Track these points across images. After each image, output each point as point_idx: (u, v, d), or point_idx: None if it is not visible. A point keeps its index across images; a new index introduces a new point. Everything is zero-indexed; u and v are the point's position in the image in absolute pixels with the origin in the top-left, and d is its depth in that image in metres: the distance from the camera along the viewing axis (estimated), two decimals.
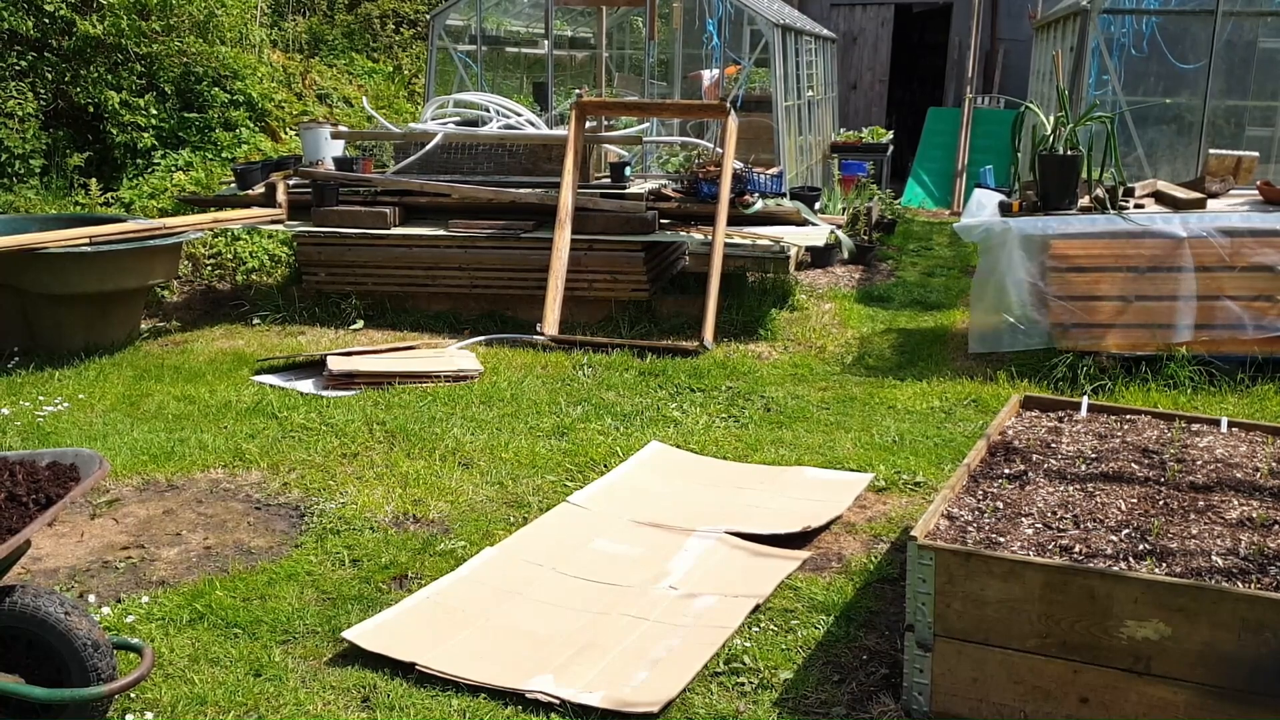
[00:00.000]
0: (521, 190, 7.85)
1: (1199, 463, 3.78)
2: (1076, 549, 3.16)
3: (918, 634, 3.10)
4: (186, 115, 9.90)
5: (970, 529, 3.31)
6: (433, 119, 8.53)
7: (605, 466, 5.09)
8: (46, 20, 9.40)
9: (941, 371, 6.59)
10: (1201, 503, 3.46)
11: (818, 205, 8.71)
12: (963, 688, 3.08)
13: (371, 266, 7.79)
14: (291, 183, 8.18)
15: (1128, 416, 4.28)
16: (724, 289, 7.38)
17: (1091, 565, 3.04)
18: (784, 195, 8.22)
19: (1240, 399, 5.92)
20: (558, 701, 3.23)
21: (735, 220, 7.61)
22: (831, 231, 8.18)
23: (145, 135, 9.52)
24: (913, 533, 3.13)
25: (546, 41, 10.86)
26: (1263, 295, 6.09)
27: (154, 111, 9.65)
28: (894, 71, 16.36)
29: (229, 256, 8.64)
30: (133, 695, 3.25)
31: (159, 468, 5.03)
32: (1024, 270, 6.23)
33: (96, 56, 9.56)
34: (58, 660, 2.97)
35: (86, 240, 6.60)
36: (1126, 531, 3.28)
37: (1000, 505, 3.48)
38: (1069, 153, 6.37)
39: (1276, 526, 3.30)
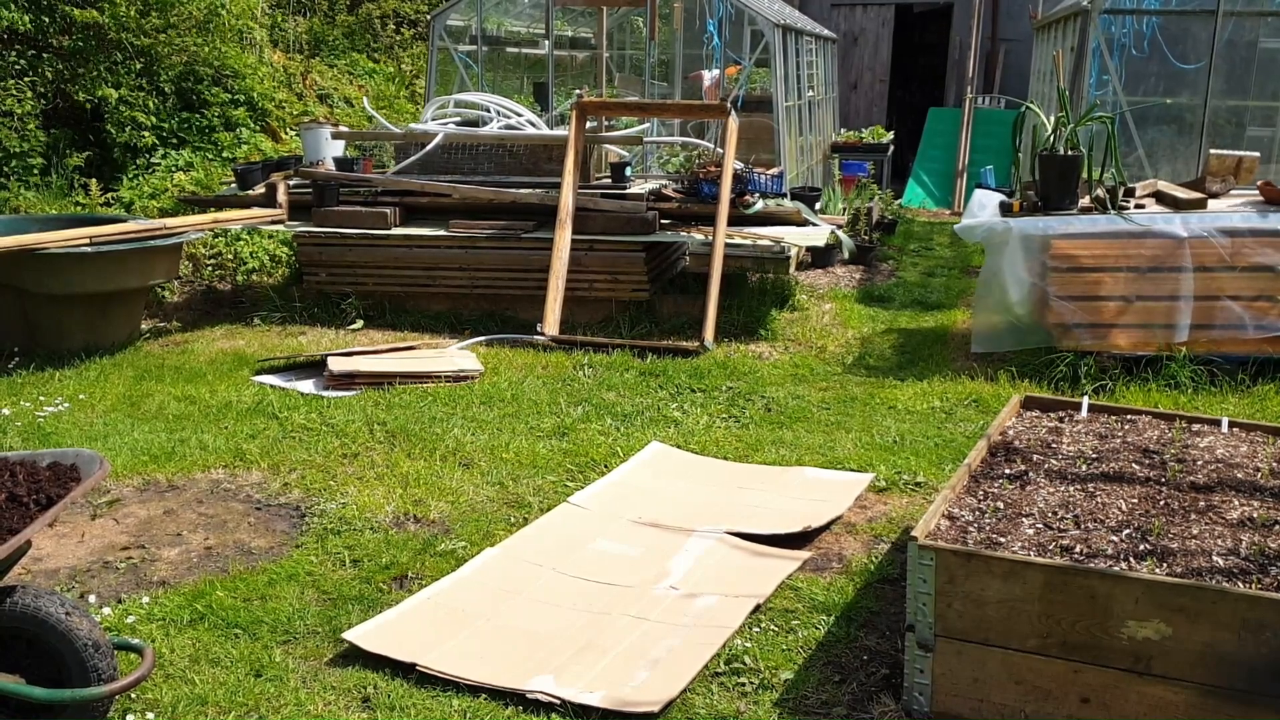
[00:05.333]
0: (522, 190, 7.85)
1: (1199, 463, 3.78)
2: (1077, 549, 3.16)
3: (918, 634, 3.10)
4: (187, 115, 9.90)
5: (971, 529, 3.31)
6: (433, 119, 8.53)
7: (606, 467, 5.09)
8: (45, 18, 9.38)
9: (942, 371, 6.59)
10: (1202, 503, 3.46)
11: (818, 205, 8.71)
12: (963, 688, 3.08)
13: (372, 267, 7.79)
14: (292, 183, 8.18)
15: (1128, 416, 4.28)
16: (724, 289, 7.38)
17: (1092, 565, 3.04)
18: (784, 195, 8.21)
19: (1241, 399, 5.92)
20: (558, 701, 3.23)
21: (736, 220, 7.61)
22: (832, 232, 8.18)
23: (145, 135, 9.52)
24: (913, 533, 3.13)
25: (547, 42, 10.85)
26: (1263, 295, 6.10)
27: (154, 110, 9.65)
28: (895, 71, 16.36)
29: (229, 257, 8.64)
30: (133, 695, 3.25)
31: (159, 468, 5.03)
32: (1025, 270, 6.24)
33: (96, 54, 9.55)
34: (58, 660, 2.97)
35: (87, 240, 6.60)
36: (1127, 532, 3.28)
37: (1001, 505, 3.48)
38: (1069, 153, 6.37)
39: (1277, 526, 3.29)
